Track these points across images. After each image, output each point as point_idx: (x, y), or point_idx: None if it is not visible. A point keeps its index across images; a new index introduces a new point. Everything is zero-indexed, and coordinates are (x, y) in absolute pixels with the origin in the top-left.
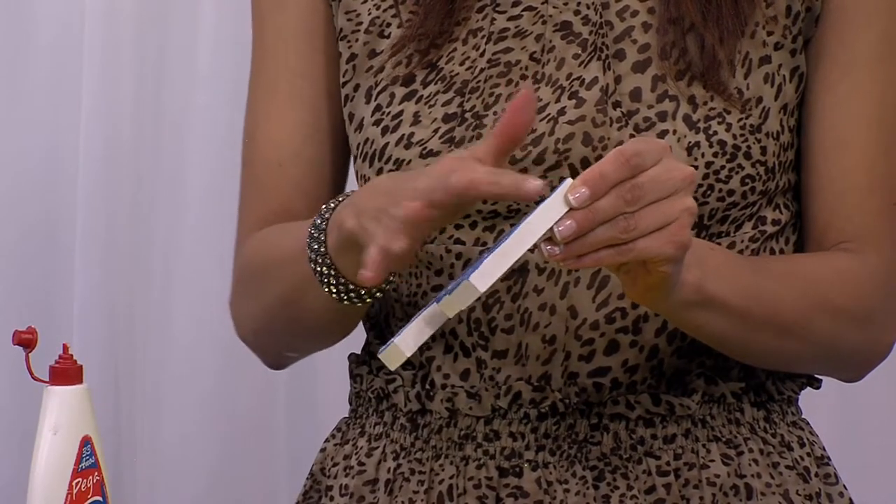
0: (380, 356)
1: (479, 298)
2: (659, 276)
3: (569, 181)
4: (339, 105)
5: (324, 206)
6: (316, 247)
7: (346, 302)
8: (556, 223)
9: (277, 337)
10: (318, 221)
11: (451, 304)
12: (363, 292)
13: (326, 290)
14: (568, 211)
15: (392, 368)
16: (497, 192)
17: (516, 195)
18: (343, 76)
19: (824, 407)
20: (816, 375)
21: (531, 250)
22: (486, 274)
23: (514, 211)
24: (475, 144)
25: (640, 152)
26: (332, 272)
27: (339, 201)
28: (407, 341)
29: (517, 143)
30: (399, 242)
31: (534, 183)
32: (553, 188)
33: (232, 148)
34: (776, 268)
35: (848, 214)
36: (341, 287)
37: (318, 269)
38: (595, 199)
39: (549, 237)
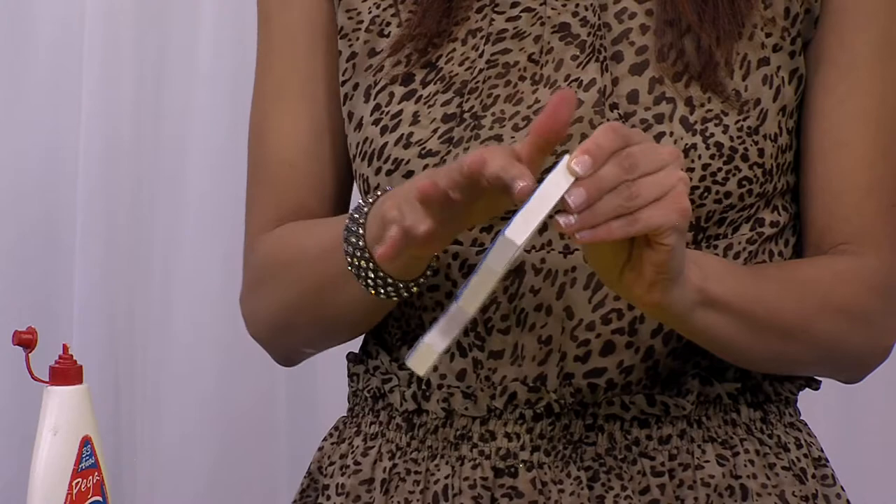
0: (408, 363)
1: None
2: (664, 252)
3: (566, 157)
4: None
5: (360, 202)
6: (354, 240)
7: (381, 296)
8: (565, 192)
9: (299, 332)
10: (357, 216)
11: (486, 269)
12: (401, 286)
13: (363, 283)
14: (574, 181)
15: (422, 373)
16: (499, 172)
17: (510, 184)
18: (343, 74)
19: (823, 408)
20: (816, 377)
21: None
22: (518, 229)
23: (511, 212)
24: (472, 144)
25: (624, 126)
26: (370, 265)
27: (378, 196)
28: (435, 339)
29: (555, 140)
30: (424, 225)
31: (524, 187)
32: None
33: (232, 148)
34: (775, 272)
35: (846, 216)
36: (378, 281)
37: (356, 262)
38: (597, 166)
39: (560, 211)
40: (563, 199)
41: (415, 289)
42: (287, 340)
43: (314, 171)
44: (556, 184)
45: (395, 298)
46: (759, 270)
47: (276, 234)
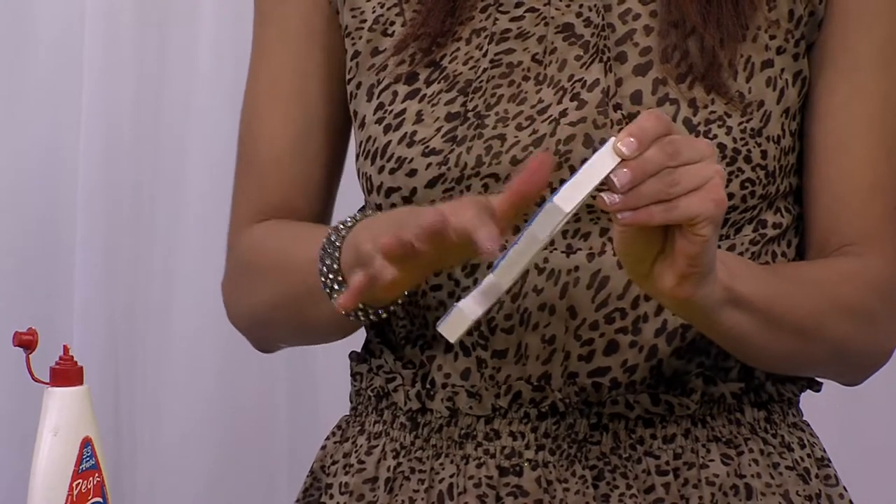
0: (440, 329)
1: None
2: (700, 242)
3: (612, 139)
4: (337, 103)
5: (340, 224)
6: (329, 262)
7: (351, 318)
8: (611, 172)
9: (275, 330)
10: (334, 238)
11: (530, 237)
12: (370, 311)
13: (335, 304)
14: (620, 162)
15: (452, 340)
16: (461, 226)
17: (477, 241)
18: (347, 73)
19: (825, 409)
20: (818, 379)
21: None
22: (567, 197)
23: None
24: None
25: (665, 114)
26: (342, 288)
27: (356, 220)
28: (470, 306)
29: (531, 200)
30: (387, 273)
31: (487, 243)
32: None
33: (232, 148)
34: (787, 272)
35: (850, 218)
36: None
37: (330, 284)
38: (642, 149)
39: (603, 189)
40: (607, 179)
41: (384, 314)
42: (263, 334)
43: (301, 170)
44: (602, 162)
45: (363, 321)
46: (773, 269)
47: (260, 231)
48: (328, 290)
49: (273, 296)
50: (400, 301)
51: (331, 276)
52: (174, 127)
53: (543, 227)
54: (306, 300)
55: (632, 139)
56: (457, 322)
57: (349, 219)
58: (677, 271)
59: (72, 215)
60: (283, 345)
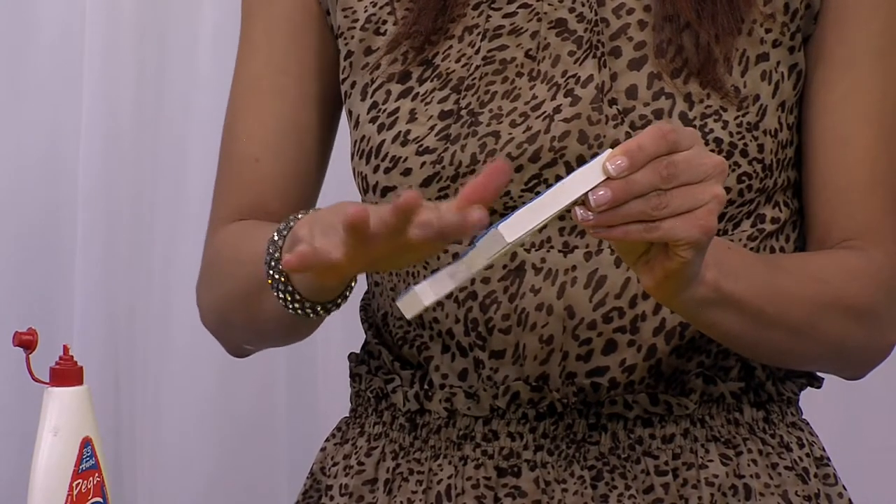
0: (397, 304)
1: (501, 258)
2: (678, 262)
3: (608, 151)
4: (319, 104)
5: (291, 216)
6: (272, 250)
7: (290, 311)
8: (591, 189)
9: (234, 330)
10: (282, 227)
11: (476, 255)
12: (307, 306)
13: (276, 295)
14: (605, 180)
15: (408, 317)
16: (438, 218)
17: (455, 224)
18: (341, 73)
19: (825, 407)
20: (818, 374)
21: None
22: (516, 225)
23: (510, 208)
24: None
25: (676, 130)
26: (284, 279)
27: (307, 213)
28: (426, 290)
29: (483, 205)
30: (336, 253)
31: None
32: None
33: None
34: (789, 267)
35: (851, 212)
36: (288, 296)
37: (272, 273)
38: (632, 170)
39: (582, 202)
40: (586, 195)
41: (322, 312)
42: (227, 334)
43: (277, 170)
44: (584, 178)
45: (302, 316)
46: (774, 264)
47: (229, 230)
48: (272, 280)
49: (228, 291)
50: (340, 302)
51: (273, 264)
52: (174, 127)
53: (485, 251)
54: (255, 294)
55: (624, 159)
56: (411, 302)
57: (301, 213)
58: (654, 277)
59: (72, 215)
60: (247, 347)
